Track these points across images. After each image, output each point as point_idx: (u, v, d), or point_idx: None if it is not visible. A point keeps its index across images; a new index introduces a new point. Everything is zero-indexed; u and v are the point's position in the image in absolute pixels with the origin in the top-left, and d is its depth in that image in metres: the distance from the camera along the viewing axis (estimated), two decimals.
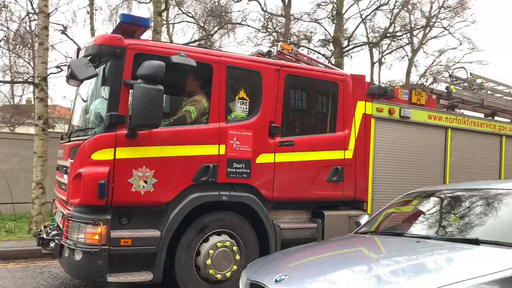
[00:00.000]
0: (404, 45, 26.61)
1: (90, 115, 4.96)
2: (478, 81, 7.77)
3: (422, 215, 4.54)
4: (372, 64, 25.41)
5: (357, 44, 22.91)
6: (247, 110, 5.30)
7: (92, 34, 10.70)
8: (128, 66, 4.71)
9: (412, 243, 3.78)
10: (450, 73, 7.51)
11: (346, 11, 21.47)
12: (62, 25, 12.21)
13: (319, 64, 6.58)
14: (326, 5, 20.31)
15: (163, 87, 4.52)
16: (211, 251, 4.96)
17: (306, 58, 6.56)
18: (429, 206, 4.62)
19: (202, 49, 5.34)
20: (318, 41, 22.07)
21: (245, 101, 5.30)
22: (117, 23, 5.16)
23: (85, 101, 5.39)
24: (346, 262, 3.66)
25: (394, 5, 22.49)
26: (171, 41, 21.26)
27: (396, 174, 6.17)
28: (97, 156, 4.57)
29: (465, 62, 29.58)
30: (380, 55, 26.83)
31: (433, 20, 24.51)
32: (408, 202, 4.81)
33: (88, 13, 17.08)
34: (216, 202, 5.10)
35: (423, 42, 27.06)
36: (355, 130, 5.92)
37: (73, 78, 4.92)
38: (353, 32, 22.00)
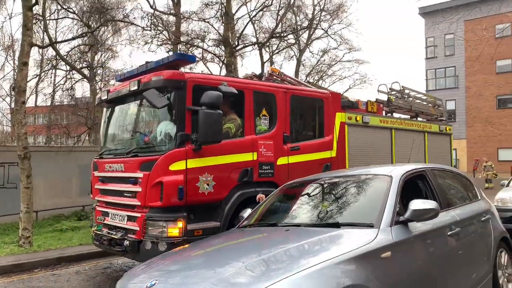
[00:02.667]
0: (291, 45, 29.70)
1: (158, 135, 6.32)
2: (407, 91, 10.49)
3: (296, 204, 4.95)
4: (262, 63, 27.70)
5: (247, 44, 25.13)
6: (268, 124, 7.11)
7: None
8: (189, 95, 6.22)
9: (282, 232, 4.16)
10: (389, 87, 10.00)
11: (237, 11, 23.28)
12: None
13: (296, 82, 8.56)
14: (213, 5, 21.73)
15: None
16: None
17: (289, 79, 8.52)
18: (303, 195, 4.99)
19: (235, 78, 7.02)
20: (209, 40, 23.65)
21: (266, 117, 7.11)
22: (168, 58, 6.57)
23: (137, 124, 6.77)
24: (216, 259, 3.71)
25: (280, 7, 25.14)
26: (50, 39, 21.02)
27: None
28: (174, 167, 6.04)
29: (345, 61, 34.16)
30: (269, 54, 29.63)
31: (315, 22, 27.91)
32: (286, 192, 5.30)
33: None
34: (250, 196, 6.82)
35: (308, 43, 30.53)
36: (336, 135, 8.07)
37: (151, 106, 6.23)
38: (242, 31, 23.71)
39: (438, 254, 4.18)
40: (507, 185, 10.87)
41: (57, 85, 31.86)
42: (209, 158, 6.33)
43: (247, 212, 5.24)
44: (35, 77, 31.49)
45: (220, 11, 20.71)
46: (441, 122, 11.22)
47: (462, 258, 4.52)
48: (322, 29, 28.20)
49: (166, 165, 6.03)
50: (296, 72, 29.76)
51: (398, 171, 4.45)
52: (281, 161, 7.17)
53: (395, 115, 10.06)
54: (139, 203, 6.28)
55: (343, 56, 34.11)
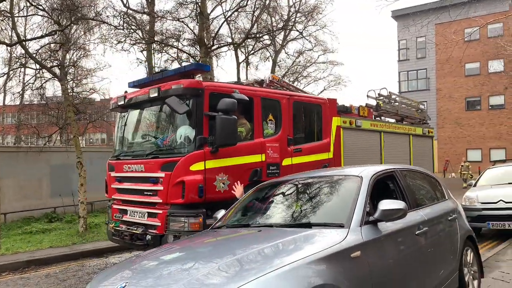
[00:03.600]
0: (266, 46, 30.42)
1: (178, 138, 7.02)
2: (393, 96, 11.49)
3: (268, 204, 5.01)
4: (238, 64, 28.38)
5: (222, 44, 25.65)
6: (274, 128, 7.91)
7: None
8: (206, 102, 6.95)
9: (255, 232, 4.25)
10: (378, 93, 10.96)
11: (212, 11, 23.51)
12: None
13: (294, 88, 9.40)
14: (188, 4, 21.63)
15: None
16: None
17: (286, 85, 9.34)
18: (276, 195, 5.12)
19: (244, 85, 7.79)
20: (184, 39, 24.01)
21: (272, 121, 7.90)
22: (185, 68, 7.28)
23: (155, 128, 7.46)
24: (189, 260, 3.75)
25: (255, 8, 25.75)
26: (19, 36, 20.98)
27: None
28: (194, 167, 6.76)
29: (320, 63, 35.24)
30: (245, 55, 30.30)
31: (290, 23, 28.74)
32: (259, 193, 5.35)
33: None
34: None
35: (284, 44, 31.39)
36: (332, 138, 8.94)
37: (174, 112, 6.92)
38: (217, 32, 23.97)
39: (407, 253, 4.38)
40: (474, 185, 11.46)
41: (26, 84, 31.67)
42: (224, 159, 7.07)
43: (221, 213, 5.39)
44: (3, 76, 31.26)
45: (195, 10, 20.86)
46: (424, 125, 12.29)
47: (430, 256, 4.75)
48: (297, 30, 28.99)
49: (187, 165, 6.75)
50: (272, 73, 30.40)
51: (368, 172, 4.63)
52: (286, 162, 7.98)
53: (383, 118, 11.04)
54: (160, 201, 6.97)
55: (318, 57, 35.11)
